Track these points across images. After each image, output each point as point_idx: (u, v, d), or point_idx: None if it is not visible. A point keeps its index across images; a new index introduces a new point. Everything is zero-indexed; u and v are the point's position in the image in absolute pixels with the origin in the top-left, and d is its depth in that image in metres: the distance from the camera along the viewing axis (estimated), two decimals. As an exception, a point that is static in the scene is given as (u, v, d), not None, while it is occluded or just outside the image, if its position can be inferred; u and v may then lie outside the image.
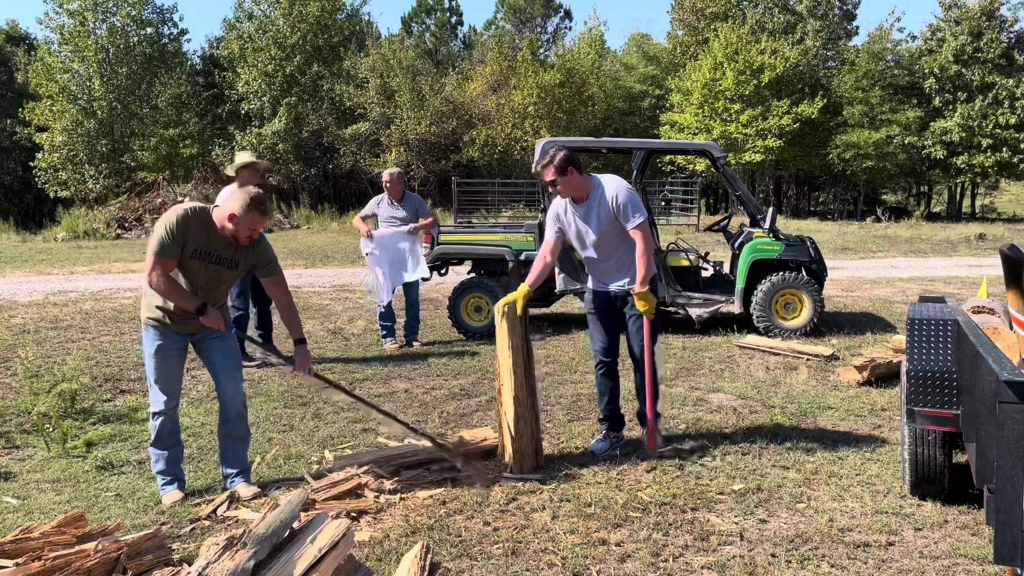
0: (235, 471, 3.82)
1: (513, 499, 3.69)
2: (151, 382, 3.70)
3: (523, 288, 4.08)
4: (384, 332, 7.25)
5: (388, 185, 7.03)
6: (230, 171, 6.14)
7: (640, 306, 4.14)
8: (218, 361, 3.76)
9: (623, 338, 4.48)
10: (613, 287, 4.32)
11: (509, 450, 4.00)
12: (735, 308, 7.59)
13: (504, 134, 28.60)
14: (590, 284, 4.47)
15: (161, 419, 3.70)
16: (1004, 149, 29.26)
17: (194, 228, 3.50)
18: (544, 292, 7.76)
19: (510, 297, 4.05)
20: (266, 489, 3.78)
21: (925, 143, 29.90)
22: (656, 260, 7.49)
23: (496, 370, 4.10)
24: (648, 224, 4.20)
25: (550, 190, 4.25)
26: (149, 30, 29.98)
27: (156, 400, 3.70)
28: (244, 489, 3.73)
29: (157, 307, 3.61)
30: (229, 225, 3.54)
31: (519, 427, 3.97)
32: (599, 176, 4.25)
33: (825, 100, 29.38)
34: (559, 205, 4.31)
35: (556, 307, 8.67)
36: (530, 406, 4.04)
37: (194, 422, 4.91)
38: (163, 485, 3.73)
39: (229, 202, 3.57)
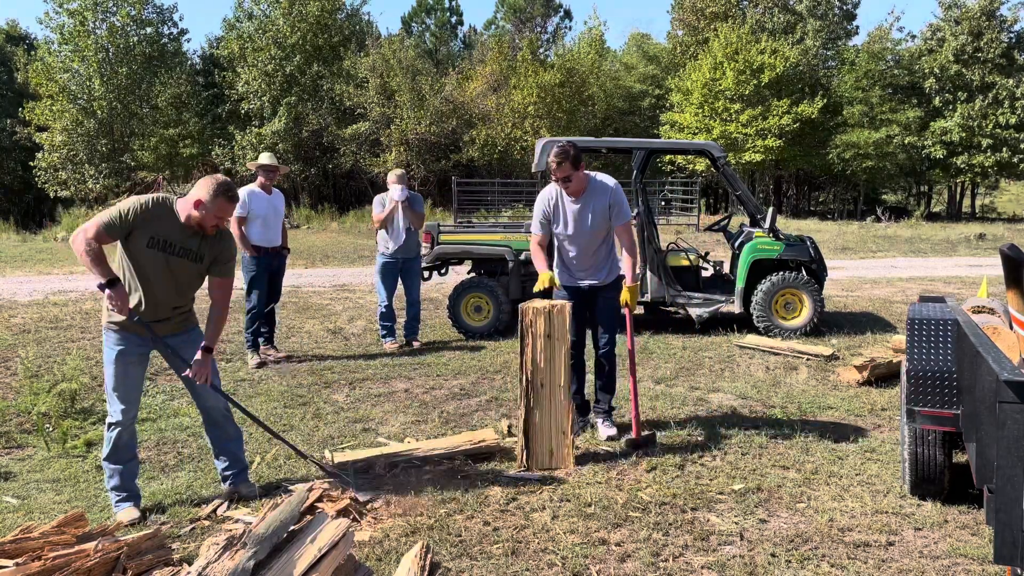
0: (234, 471, 3.75)
1: (513, 499, 3.69)
2: (109, 390, 3.51)
3: (546, 274, 4.27)
4: (384, 332, 7.25)
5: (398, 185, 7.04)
6: (251, 167, 6.74)
7: (627, 297, 4.42)
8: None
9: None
10: (587, 283, 4.53)
11: (546, 450, 4.08)
12: (735, 308, 7.60)
13: (504, 134, 28.59)
14: (568, 281, 4.60)
15: (118, 431, 3.50)
16: (1004, 149, 29.24)
17: (153, 217, 3.38)
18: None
19: (544, 282, 4.21)
20: (267, 488, 3.77)
21: (925, 143, 29.88)
22: (656, 260, 7.53)
23: (525, 368, 4.07)
24: (631, 224, 4.49)
25: (560, 186, 4.37)
26: (149, 30, 29.94)
27: (114, 410, 3.50)
28: (244, 488, 3.71)
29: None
30: (195, 213, 3.40)
31: (569, 421, 4.10)
32: (594, 174, 4.45)
33: (825, 100, 29.37)
34: (550, 196, 4.46)
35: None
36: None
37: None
38: (117, 502, 3.52)
39: (196, 189, 3.42)
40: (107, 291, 3.34)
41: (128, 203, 3.38)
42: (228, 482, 3.75)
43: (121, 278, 3.41)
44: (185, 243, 3.46)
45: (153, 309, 3.48)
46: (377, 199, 7.15)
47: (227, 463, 3.76)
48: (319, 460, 4.03)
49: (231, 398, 3.79)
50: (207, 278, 3.65)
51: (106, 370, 3.52)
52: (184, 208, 3.44)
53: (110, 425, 3.52)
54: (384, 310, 7.17)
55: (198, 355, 3.53)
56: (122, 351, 3.47)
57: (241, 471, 3.77)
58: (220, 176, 3.49)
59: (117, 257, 3.46)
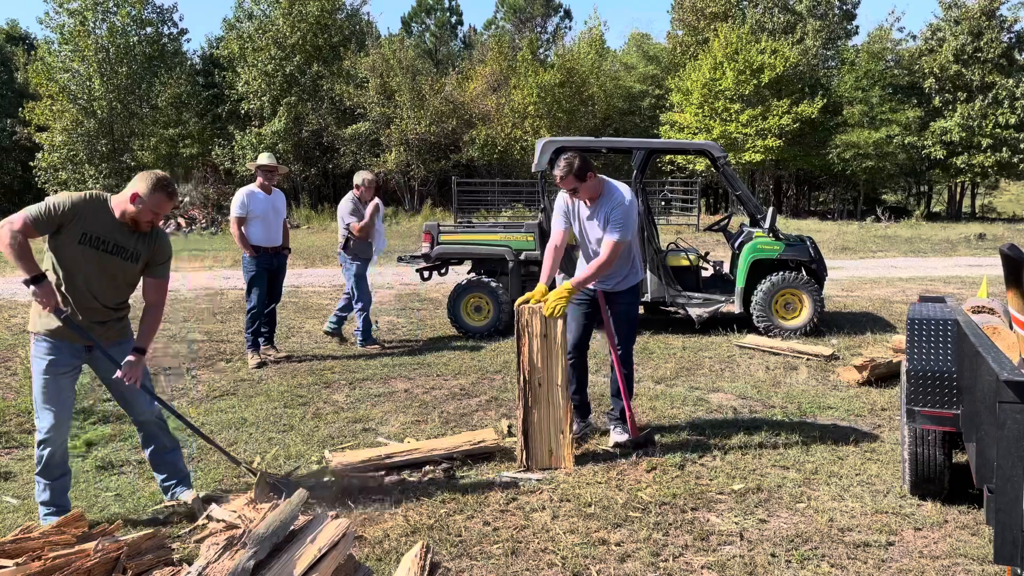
0: (174, 481, 3.61)
1: (513, 499, 3.69)
2: (39, 405, 3.30)
3: (540, 288, 4.17)
4: (363, 337, 7.19)
5: (362, 190, 7.07)
6: (250, 167, 6.81)
7: (551, 296, 4.09)
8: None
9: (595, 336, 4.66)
10: (600, 287, 4.42)
11: (545, 450, 4.08)
12: (735, 308, 7.60)
13: (504, 134, 28.60)
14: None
15: (49, 449, 3.31)
16: (1004, 149, 29.25)
17: (86, 213, 3.22)
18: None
19: (536, 298, 4.12)
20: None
21: (925, 143, 29.90)
22: (656, 260, 7.54)
23: (522, 368, 4.06)
24: (620, 246, 4.18)
25: (570, 196, 4.33)
26: (149, 30, 29.99)
27: (43, 426, 3.30)
28: (188, 495, 3.57)
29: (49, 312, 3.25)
30: (131, 208, 3.25)
31: (568, 420, 4.08)
32: (613, 182, 4.31)
33: (825, 100, 29.37)
34: (566, 196, 4.39)
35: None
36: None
37: (193, 422, 4.90)
38: (45, 516, 3.37)
39: (133, 183, 3.29)
40: (32, 287, 3.20)
41: (60, 197, 3.23)
42: (169, 494, 3.61)
43: (53, 279, 3.28)
44: (119, 241, 3.30)
45: (88, 312, 3.31)
46: (347, 209, 7.00)
47: (166, 475, 3.62)
48: (251, 467, 3.81)
49: (163, 401, 3.63)
50: (141, 280, 3.46)
51: (35, 382, 3.32)
52: (119, 204, 3.29)
53: (40, 442, 3.33)
54: (368, 312, 7.16)
55: (130, 356, 3.34)
56: (53, 361, 3.29)
57: (182, 480, 3.64)
58: (159, 172, 3.36)
59: (47, 257, 3.30)
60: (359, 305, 7.12)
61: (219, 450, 3.77)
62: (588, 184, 4.19)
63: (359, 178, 7.11)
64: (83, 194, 3.28)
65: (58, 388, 3.31)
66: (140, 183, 3.27)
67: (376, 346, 7.16)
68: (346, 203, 7.04)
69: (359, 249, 7.04)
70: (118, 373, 3.32)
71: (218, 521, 3.27)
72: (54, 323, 3.27)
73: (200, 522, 3.38)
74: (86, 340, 3.32)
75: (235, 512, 3.26)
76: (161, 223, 3.44)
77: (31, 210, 3.20)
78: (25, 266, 3.19)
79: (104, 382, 3.50)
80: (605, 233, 4.21)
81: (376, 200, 7.07)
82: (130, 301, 3.54)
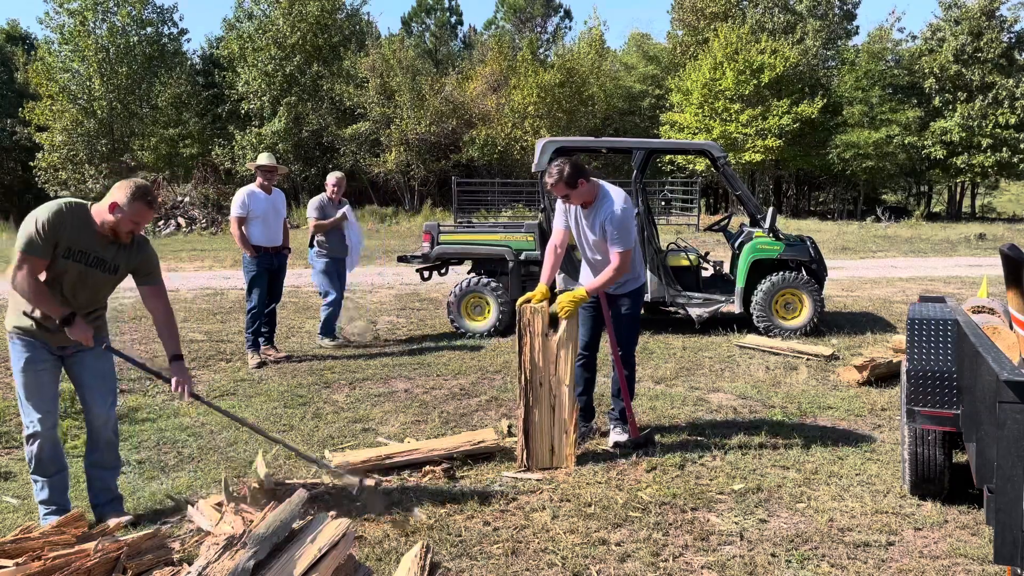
0: (104, 501, 3.51)
1: (513, 499, 3.69)
2: (23, 401, 3.29)
3: (541, 288, 4.16)
4: (337, 332, 7.22)
5: (336, 188, 7.15)
6: (250, 167, 6.89)
7: (563, 297, 4.11)
8: (88, 382, 3.41)
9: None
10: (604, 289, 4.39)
11: (546, 450, 4.08)
12: (735, 308, 7.60)
13: (504, 134, 28.62)
14: (583, 282, 4.54)
15: (37, 442, 3.29)
16: (1004, 149, 29.28)
17: (69, 225, 3.15)
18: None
19: (537, 298, 4.10)
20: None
21: (925, 143, 29.91)
22: (656, 260, 7.54)
23: (523, 367, 4.05)
24: (624, 254, 4.16)
25: (564, 202, 4.32)
26: (149, 30, 30.03)
27: (30, 420, 3.28)
28: (115, 520, 3.38)
29: (25, 314, 3.22)
30: (110, 217, 3.18)
31: (572, 420, 4.10)
32: (608, 187, 4.28)
33: (825, 100, 29.39)
34: None
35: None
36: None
37: (194, 422, 4.91)
38: (45, 515, 3.34)
39: (112, 192, 3.21)
40: (66, 329, 3.18)
41: (41, 215, 3.11)
42: (98, 513, 3.49)
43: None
44: (99, 253, 3.25)
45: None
46: (312, 206, 7.10)
47: (98, 494, 3.53)
48: (319, 459, 3.94)
49: (203, 398, 3.64)
50: (139, 291, 3.47)
51: (16, 379, 3.33)
52: (99, 214, 3.22)
53: (29, 438, 3.31)
54: (338, 306, 7.16)
55: (173, 366, 3.43)
56: (30, 358, 3.28)
57: (112, 501, 3.54)
58: (139, 180, 3.30)
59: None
60: (328, 298, 7.13)
61: (289, 448, 3.90)
62: (580, 190, 4.16)
63: (331, 178, 7.22)
64: (63, 204, 3.19)
65: (39, 383, 3.30)
66: (119, 192, 3.20)
67: (333, 341, 7.18)
68: (313, 200, 7.17)
69: (329, 247, 7.07)
70: (173, 383, 3.42)
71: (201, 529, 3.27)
72: (27, 322, 3.25)
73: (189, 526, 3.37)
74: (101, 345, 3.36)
75: (209, 518, 3.27)
76: (143, 231, 3.40)
77: (23, 244, 3.10)
78: (54, 309, 3.16)
79: (74, 383, 3.48)
80: (609, 245, 4.19)
81: (345, 208, 7.21)
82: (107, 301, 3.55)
